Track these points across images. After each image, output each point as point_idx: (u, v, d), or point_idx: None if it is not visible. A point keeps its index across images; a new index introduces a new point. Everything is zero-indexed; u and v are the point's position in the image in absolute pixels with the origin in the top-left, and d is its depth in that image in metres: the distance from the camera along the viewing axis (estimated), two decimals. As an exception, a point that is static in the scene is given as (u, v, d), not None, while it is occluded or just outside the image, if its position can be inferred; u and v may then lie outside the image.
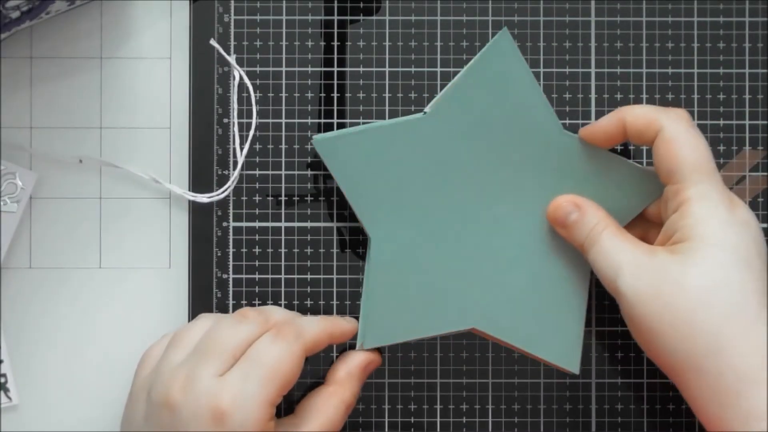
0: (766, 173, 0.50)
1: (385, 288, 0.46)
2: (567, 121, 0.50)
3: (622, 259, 0.42)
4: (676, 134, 0.43)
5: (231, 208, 0.50)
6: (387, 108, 0.50)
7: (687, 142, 0.42)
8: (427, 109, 0.46)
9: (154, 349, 0.45)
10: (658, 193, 0.46)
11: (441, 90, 0.49)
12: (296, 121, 0.50)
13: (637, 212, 0.47)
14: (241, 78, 0.50)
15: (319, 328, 0.45)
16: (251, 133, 0.50)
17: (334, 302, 0.49)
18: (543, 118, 0.46)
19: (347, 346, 0.49)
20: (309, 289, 0.50)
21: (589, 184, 0.47)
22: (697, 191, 0.42)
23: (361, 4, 0.50)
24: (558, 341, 0.47)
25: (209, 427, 0.40)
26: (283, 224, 0.50)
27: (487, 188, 0.47)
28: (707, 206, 0.41)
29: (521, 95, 0.46)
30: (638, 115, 0.44)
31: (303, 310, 0.49)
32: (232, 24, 0.50)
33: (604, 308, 0.50)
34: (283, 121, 0.50)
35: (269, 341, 0.42)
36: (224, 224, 0.50)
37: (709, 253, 0.41)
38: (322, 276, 0.50)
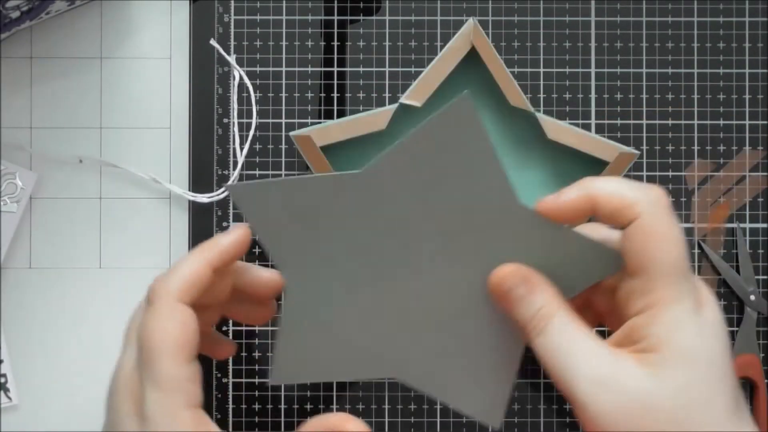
0: (766, 173, 0.50)
1: (298, 329, 0.43)
2: (567, 121, 0.50)
3: (579, 365, 0.36)
4: (655, 226, 0.37)
5: (231, 208, 0.50)
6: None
7: (666, 236, 0.37)
8: (364, 168, 0.41)
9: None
10: (615, 269, 0.40)
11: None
12: (296, 121, 0.50)
13: (589, 286, 0.41)
14: (241, 78, 0.50)
15: (194, 264, 0.38)
16: (251, 133, 0.50)
17: (334, 302, 0.49)
18: (497, 189, 0.41)
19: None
20: (309, 289, 0.50)
21: (538, 253, 0.41)
22: (670, 293, 0.37)
23: (361, 4, 0.50)
24: (482, 396, 0.44)
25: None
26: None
27: (423, 245, 0.43)
28: (680, 312, 0.37)
29: (476, 163, 0.42)
30: (612, 195, 0.38)
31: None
32: (232, 24, 0.50)
33: (604, 308, 0.50)
34: (283, 121, 0.50)
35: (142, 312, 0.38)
36: (224, 224, 0.50)
37: (683, 370, 0.36)
38: (322, 276, 0.50)
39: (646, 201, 0.37)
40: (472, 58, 0.48)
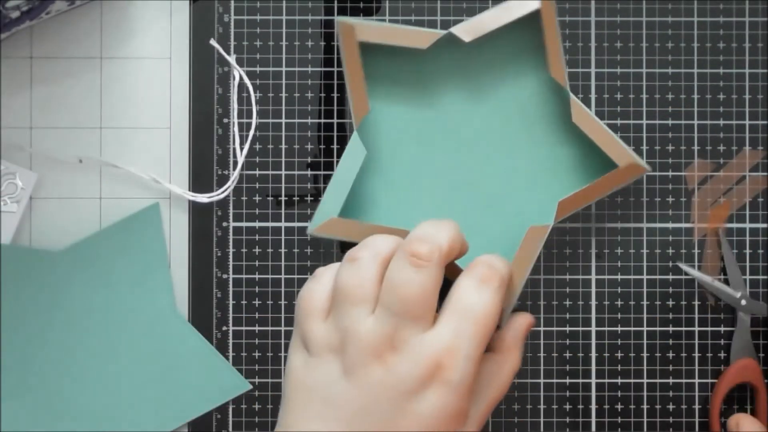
0: (766, 173, 0.50)
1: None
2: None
3: None
4: None
5: (231, 208, 0.50)
6: (387, 108, 0.50)
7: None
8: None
9: (316, 300, 0.42)
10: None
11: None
12: (296, 121, 0.50)
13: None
14: (241, 78, 0.50)
15: (508, 267, 0.43)
16: (251, 133, 0.50)
17: (334, 302, 0.49)
18: None
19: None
20: (309, 289, 0.49)
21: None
22: None
23: (361, 4, 0.50)
24: None
25: (424, 380, 0.39)
26: (283, 224, 0.50)
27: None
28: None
29: None
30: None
31: (303, 310, 0.49)
32: (232, 24, 0.50)
33: (603, 308, 0.50)
34: (283, 121, 0.50)
35: (475, 291, 0.41)
36: (224, 224, 0.50)
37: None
38: (322, 276, 0.50)
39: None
40: (534, 19, 0.49)
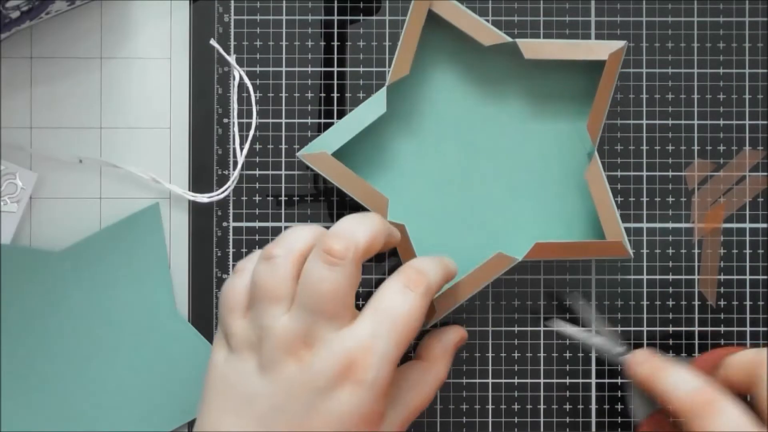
0: (766, 173, 0.50)
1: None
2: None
3: None
4: None
5: (231, 208, 0.50)
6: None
7: None
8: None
9: (237, 296, 0.42)
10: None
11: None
12: (296, 121, 0.50)
13: None
14: (241, 78, 0.50)
15: (440, 277, 0.43)
16: (251, 133, 0.50)
17: (334, 302, 0.49)
18: None
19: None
20: (309, 289, 0.49)
21: None
22: None
23: (361, 4, 0.50)
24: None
25: (337, 377, 0.39)
26: (283, 224, 0.50)
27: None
28: None
29: None
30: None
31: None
32: (232, 24, 0.50)
33: (604, 308, 0.50)
34: (283, 121, 0.50)
35: (399, 295, 0.40)
36: (224, 224, 0.50)
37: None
38: (322, 276, 0.49)
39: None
40: (597, 67, 0.49)
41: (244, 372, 0.40)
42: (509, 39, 0.47)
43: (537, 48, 0.48)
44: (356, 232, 0.40)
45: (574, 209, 0.50)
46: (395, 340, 0.39)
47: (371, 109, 0.47)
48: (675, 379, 0.41)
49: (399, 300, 0.40)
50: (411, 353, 0.50)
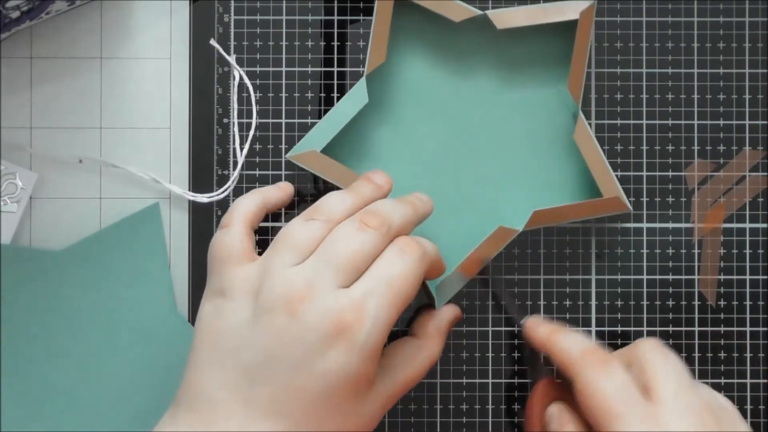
0: (766, 173, 0.50)
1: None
2: (567, 121, 0.50)
3: None
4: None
5: (231, 208, 0.50)
6: (387, 108, 0.50)
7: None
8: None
9: (236, 244, 0.42)
10: None
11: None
12: (296, 121, 0.50)
13: None
14: (241, 78, 0.50)
15: (436, 250, 0.43)
16: (251, 133, 0.50)
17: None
18: None
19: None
20: (309, 289, 0.49)
21: None
22: None
23: (361, 4, 0.50)
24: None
25: (328, 337, 0.38)
26: (283, 224, 0.50)
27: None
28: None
29: None
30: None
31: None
32: (232, 24, 0.50)
33: (604, 308, 0.50)
34: (283, 121, 0.50)
35: (396, 257, 0.41)
36: (224, 224, 0.50)
37: None
38: (322, 276, 0.49)
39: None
40: (570, 29, 0.49)
41: (234, 321, 0.40)
42: (479, 11, 0.48)
43: (507, 17, 0.48)
44: (393, 214, 0.42)
45: (566, 174, 0.50)
46: (388, 302, 0.39)
47: (353, 101, 0.48)
48: (571, 338, 0.44)
49: (395, 262, 0.40)
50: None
